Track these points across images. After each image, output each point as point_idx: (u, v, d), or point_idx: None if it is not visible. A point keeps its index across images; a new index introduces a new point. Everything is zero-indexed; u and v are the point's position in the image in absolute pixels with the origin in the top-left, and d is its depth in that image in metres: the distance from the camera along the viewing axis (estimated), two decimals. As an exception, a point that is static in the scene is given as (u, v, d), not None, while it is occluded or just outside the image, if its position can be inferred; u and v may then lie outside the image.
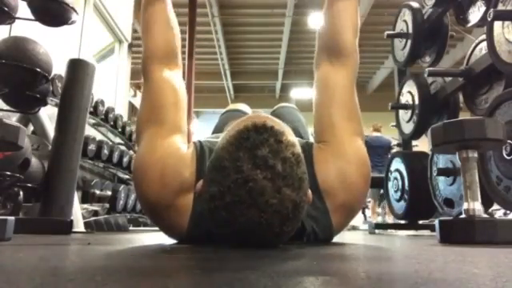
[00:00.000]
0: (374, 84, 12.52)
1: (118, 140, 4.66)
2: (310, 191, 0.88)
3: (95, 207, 3.15)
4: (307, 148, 1.11)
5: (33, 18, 2.37)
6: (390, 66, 10.19)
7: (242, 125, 0.83)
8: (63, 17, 2.40)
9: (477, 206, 1.29)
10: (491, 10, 1.77)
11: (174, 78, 1.22)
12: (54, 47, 2.69)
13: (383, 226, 3.34)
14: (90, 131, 3.68)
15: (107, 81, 5.35)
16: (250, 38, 10.21)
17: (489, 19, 1.79)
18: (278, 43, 10.08)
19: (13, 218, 1.21)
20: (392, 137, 5.47)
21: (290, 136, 0.84)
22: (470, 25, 2.28)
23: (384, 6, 7.72)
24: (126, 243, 1.31)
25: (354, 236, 2.37)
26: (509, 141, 1.63)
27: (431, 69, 2.47)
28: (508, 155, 1.66)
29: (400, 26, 2.96)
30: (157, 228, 1.16)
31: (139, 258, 0.78)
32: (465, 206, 1.31)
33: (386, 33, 3.05)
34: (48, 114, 2.75)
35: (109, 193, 3.57)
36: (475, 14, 2.20)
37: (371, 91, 12.72)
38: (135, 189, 1.13)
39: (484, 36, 2.02)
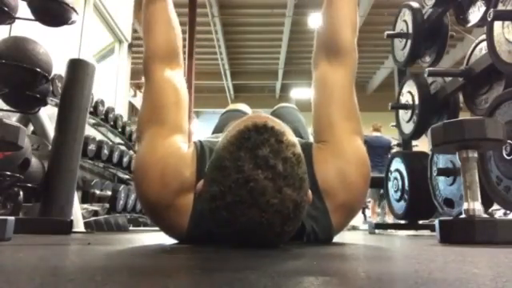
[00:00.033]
0: (374, 84, 12.52)
1: (118, 140, 4.66)
2: (310, 191, 0.88)
3: (95, 207, 3.15)
4: (307, 148, 1.11)
5: (33, 17, 2.37)
6: (390, 65, 10.19)
7: (242, 125, 0.83)
8: (63, 17, 2.40)
9: (477, 206, 1.29)
10: (491, 10, 1.77)
11: (175, 77, 1.22)
12: (54, 47, 2.69)
13: (383, 226, 3.34)
14: (90, 131, 3.68)
15: (107, 81, 5.35)
16: (250, 38, 10.20)
17: (489, 19, 1.79)
18: (278, 43, 10.08)
19: (13, 218, 1.21)
20: (392, 137, 5.46)
21: (291, 136, 0.84)
22: (469, 25, 2.28)
23: (384, 6, 7.72)
24: (126, 243, 1.31)
25: (354, 236, 2.37)
26: (509, 141, 1.63)
27: (431, 69, 2.47)
28: (508, 155, 1.66)
29: (400, 26, 2.96)
30: (157, 228, 1.16)
31: (139, 258, 0.78)
32: (465, 205, 1.31)
33: (386, 33, 3.05)
34: (48, 114, 2.75)
35: (109, 193, 3.57)
36: (475, 13, 2.20)
37: (371, 91, 12.72)
38: (135, 188, 1.13)
39: (484, 36, 2.02)
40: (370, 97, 12.08)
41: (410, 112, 2.86)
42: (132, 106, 7.16)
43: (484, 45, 2.08)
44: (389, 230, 3.21)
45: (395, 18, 3.04)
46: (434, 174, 2.34)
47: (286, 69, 11.43)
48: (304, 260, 0.71)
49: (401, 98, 3.01)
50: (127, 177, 4.54)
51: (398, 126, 3.07)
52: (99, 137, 3.94)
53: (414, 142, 3.24)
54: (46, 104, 2.52)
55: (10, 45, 2.23)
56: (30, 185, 2.24)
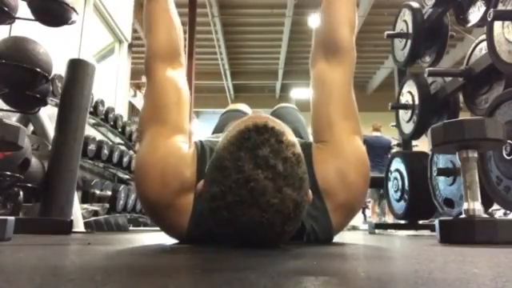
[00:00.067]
0: (374, 84, 12.52)
1: (118, 140, 4.66)
2: (310, 191, 0.88)
3: (95, 207, 3.15)
4: (306, 148, 1.11)
5: (33, 17, 2.37)
6: (390, 65, 10.19)
7: (242, 125, 0.83)
8: (63, 17, 2.40)
9: (477, 206, 1.29)
10: (491, 9, 1.77)
11: (176, 77, 1.22)
12: (54, 47, 2.69)
13: (383, 226, 3.34)
14: (90, 131, 3.69)
15: (107, 81, 5.35)
16: (250, 38, 10.20)
17: (489, 19, 1.79)
18: (278, 43, 10.08)
19: (13, 218, 1.21)
20: (392, 137, 5.46)
21: (291, 136, 0.85)
22: (469, 25, 2.28)
23: (384, 6, 7.72)
24: (126, 243, 1.31)
25: (354, 236, 2.37)
26: (509, 141, 1.63)
27: (431, 69, 2.47)
28: (508, 155, 1.66)
29: (400, 26, 2.96)
30: (157, 228, 1.16)
31: (139, 258, 0.78)
32: (465, 205, 1.31)
33: (386, 33, 3.05)
34: (48, 114, 2.75)
35: (109, 193, 3.57)
36: (475, 13, 2.20)
37: (371, 91, 12.72)
38: (136, 188, 1.13)
39: (484, 36, 2.02)
40: (370, 97, 12.08)
41: (409, 112, 2.86)
42: (132, 106, 7.15)
43: (484, 45, 2.08)
44: (389, 230, 3.21)
45: (395, 18, 3.04)
46: (434, 173, 2.34)
47: (286, 69, 11.44)
48: (304, 260, 0.71)
49: (401, 97, 3.01)
50: (127, 177, 4.55)
51: (398, 125, 3.07)
52: (99, 137, 3.95)
53: (414, 142, 3.24)
54: (46, 104, 2.52)
55: (10, 45, 2.23)
56: (29, 185, 2.24)
